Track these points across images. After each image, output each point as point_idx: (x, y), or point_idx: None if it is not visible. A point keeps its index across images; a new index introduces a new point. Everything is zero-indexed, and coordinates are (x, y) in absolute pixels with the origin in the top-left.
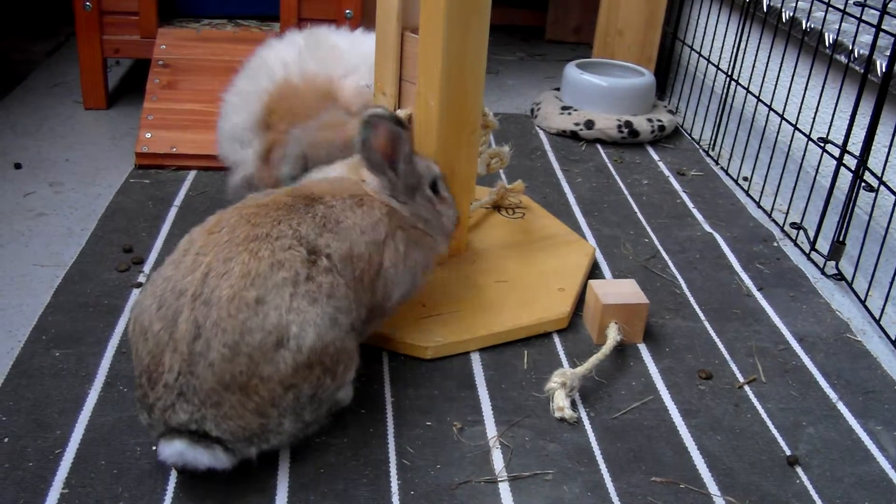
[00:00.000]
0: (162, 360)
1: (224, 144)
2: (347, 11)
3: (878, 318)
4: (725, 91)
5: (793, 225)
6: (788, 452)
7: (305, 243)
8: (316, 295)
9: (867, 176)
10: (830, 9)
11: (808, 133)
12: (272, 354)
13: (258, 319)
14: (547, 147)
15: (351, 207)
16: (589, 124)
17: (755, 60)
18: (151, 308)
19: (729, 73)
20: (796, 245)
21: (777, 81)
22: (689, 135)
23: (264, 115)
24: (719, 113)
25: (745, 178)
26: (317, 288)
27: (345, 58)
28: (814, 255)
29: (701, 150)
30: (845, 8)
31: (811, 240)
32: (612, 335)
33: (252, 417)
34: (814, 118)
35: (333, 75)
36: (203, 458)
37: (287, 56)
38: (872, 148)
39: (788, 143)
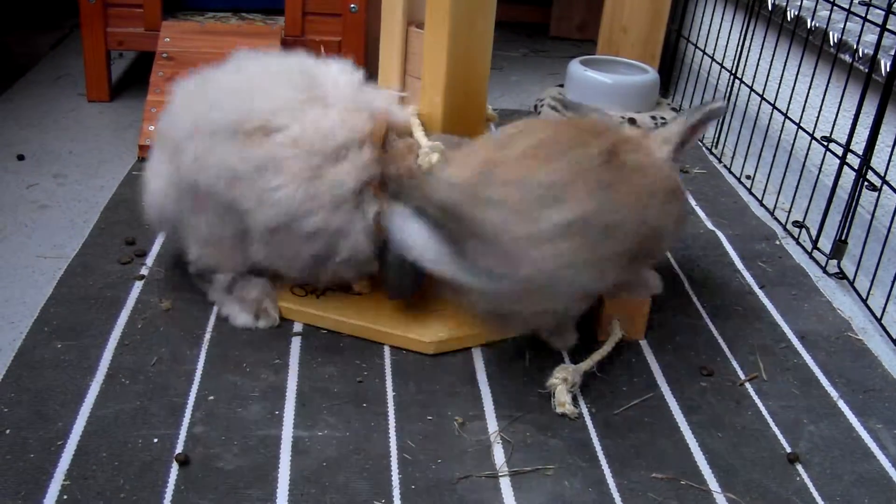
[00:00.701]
0: None
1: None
2: (352, 6)
3: (879, 317)
4: (729, 89)
5: (795, 223)
6: (789, 450)
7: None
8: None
9: (870, 175)
10: (835, 8)
11: (811, 132)
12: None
13: (546, 168)
14: None
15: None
16: None
17: (759, 59)
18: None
19: (733, 72)
20: (798, 244)
21: (781, 80)
22: None
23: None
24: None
25: (748, 177)
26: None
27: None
28: (816, 253)
29: (704, 148)
30: (850, 7)
31: (813, 238)
32: (615, 332)
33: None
34: (817, 117)
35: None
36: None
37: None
38: (875, 147)
39: (792, 141)
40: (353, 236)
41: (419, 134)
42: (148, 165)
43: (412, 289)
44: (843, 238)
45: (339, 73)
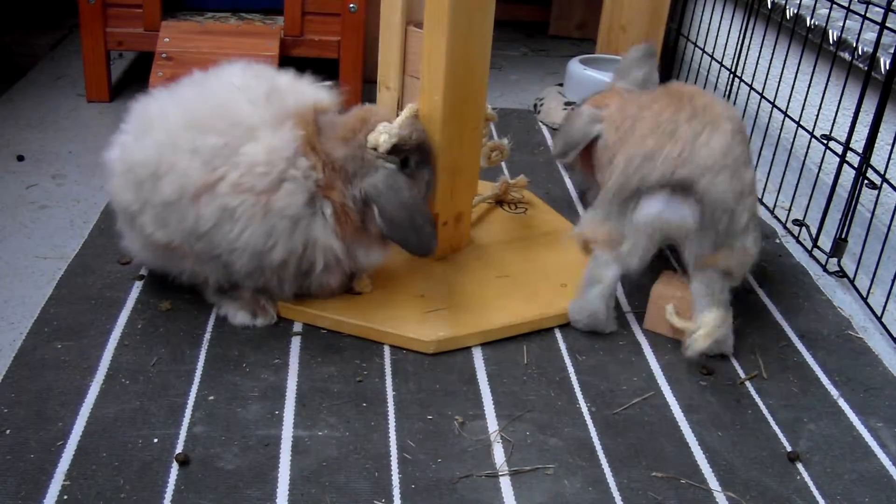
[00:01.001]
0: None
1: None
2: (351, 5)
3: (879, 315)
4: (729, 88)
5: (795, 222)
6: (789, 448)
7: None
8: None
9: (870, 173)
10: (834, 6)
11: (811, 130)
12: (746, 166)
13: (738, 139)
14: (549, 142)
15: None
16: None
17: (759, 57)
18: (645, 130)
19: (732, 70)
20: (798, 242)
21: (780, 78)
22: None
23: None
24: None
25: None
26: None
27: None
28: (816, 252)
29: None
30: (850, 5)
31: (813, 237)
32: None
33: (732, 197)
34: (817, 115)
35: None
36: (679, 210)
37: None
38: (875, 145)
39: (791, 140)
40: (322, 242)
41: (399, 118)
42: (117, 225)
43: (433, 238)
44: (843, 236)
45: (249, 86)
